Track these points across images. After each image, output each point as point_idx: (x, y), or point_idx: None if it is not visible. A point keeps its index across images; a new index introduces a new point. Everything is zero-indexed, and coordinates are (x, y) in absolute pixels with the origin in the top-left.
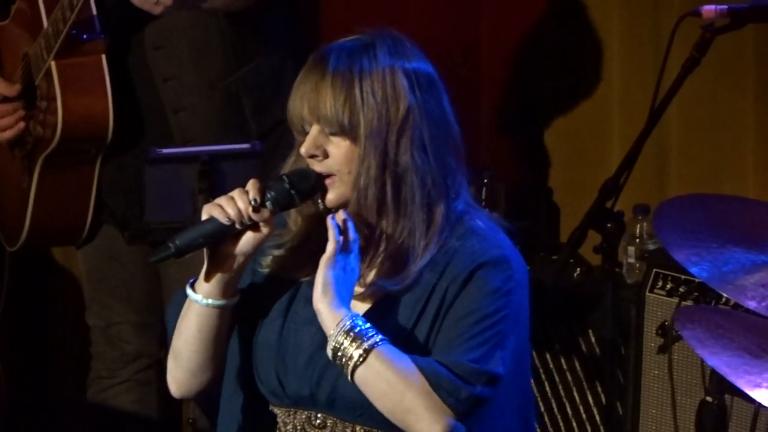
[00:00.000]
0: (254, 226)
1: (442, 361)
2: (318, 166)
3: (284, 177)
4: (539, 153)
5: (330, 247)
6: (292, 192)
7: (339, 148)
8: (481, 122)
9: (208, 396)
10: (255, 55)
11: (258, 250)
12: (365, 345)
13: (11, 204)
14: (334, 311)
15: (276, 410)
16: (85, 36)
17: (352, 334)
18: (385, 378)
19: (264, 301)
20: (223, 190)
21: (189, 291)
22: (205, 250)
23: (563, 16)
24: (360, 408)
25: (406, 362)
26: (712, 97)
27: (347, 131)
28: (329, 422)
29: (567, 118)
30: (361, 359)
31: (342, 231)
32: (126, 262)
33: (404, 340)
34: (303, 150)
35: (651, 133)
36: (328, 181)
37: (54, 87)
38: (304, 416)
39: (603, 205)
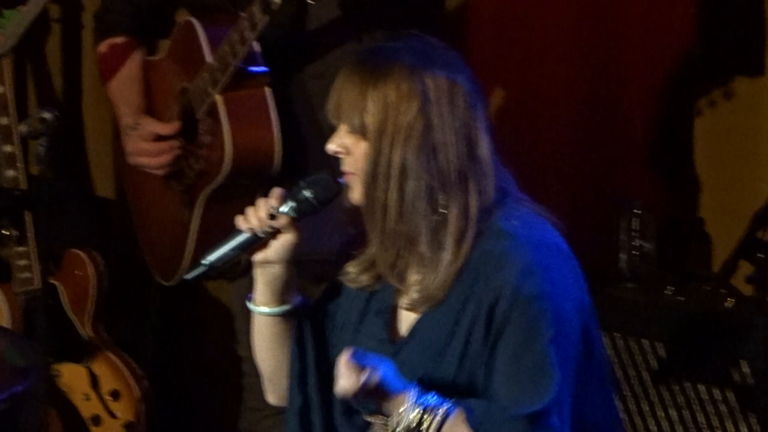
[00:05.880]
0: (277, 233)
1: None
2: (344, 164)
3: (301, 182)
4: (689, 181)
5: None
6: (309, 197)
7: (357, 147)
8: (629, 149)
9: None
10: None
11: (292, 255)
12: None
13: (167, 238)
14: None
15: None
16: (250, 69)
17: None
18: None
19: (338, 314)
20: None
21: (248, 303)
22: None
23: (713, 33)
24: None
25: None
26: None
27: (358, 131)
28: None
29: (717, 145)
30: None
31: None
32: None
33: (439, 356)
34: (328, 147)
35: None
36: (348, 178)
37: (219, 121)
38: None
39: (754, 235)
